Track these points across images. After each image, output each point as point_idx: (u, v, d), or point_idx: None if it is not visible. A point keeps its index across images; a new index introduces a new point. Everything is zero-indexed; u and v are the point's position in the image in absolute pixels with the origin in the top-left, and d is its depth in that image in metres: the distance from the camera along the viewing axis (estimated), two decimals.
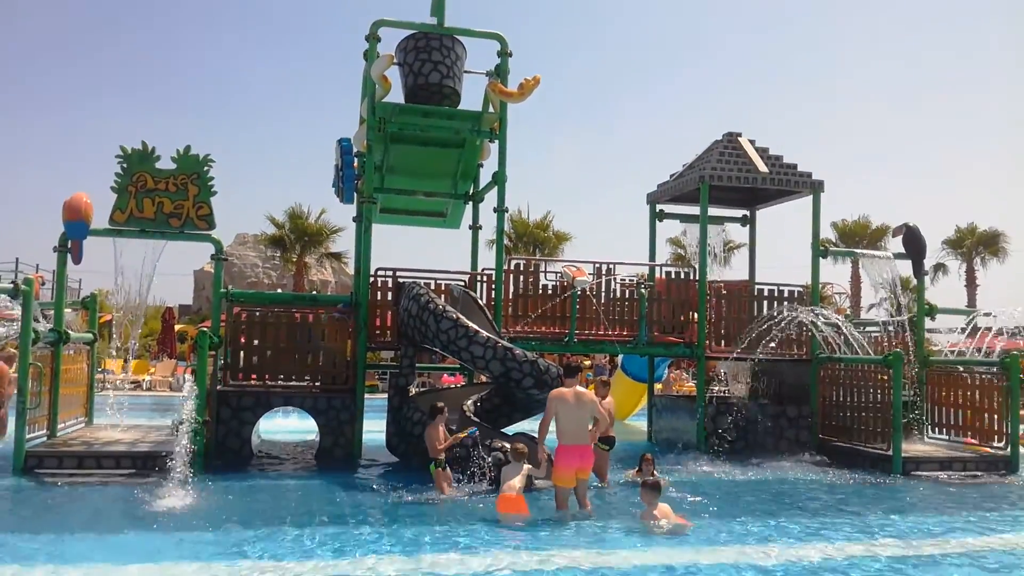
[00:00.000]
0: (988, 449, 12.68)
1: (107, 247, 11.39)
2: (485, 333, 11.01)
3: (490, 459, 9.90)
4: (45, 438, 11.06)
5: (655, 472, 9.80)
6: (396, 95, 13.10)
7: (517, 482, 8.44)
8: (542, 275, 14.01)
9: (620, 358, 19.67)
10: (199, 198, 11.39)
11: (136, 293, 11.61)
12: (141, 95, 79.62)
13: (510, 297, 13.48)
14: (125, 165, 11.27)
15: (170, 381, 26.04)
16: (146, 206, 11.27)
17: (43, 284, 14.60)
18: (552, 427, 8.45)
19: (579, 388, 8.54)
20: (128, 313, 12.73)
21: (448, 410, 11.34)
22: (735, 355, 13.89)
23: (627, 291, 14.09)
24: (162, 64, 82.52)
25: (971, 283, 45.20)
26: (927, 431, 13.90)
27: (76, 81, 79.89)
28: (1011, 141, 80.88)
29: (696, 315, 13.95)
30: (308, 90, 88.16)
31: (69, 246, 11.17)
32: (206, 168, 11.45)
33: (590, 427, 8.46)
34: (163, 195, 11.31)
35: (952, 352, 15.30)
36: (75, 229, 10.99)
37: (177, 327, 32.92)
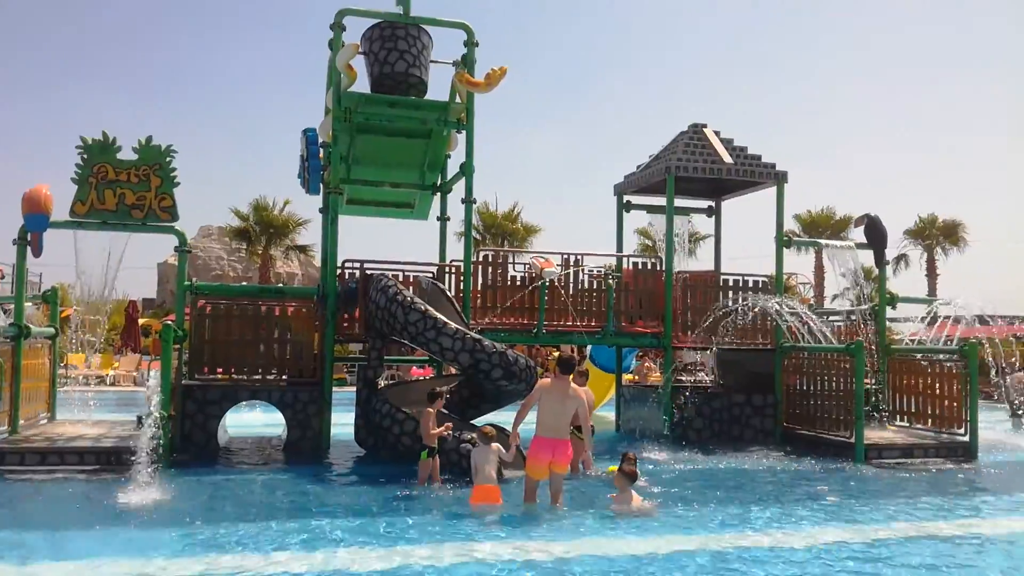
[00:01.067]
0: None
1: (68, 240, 11.23)
2: (454, 325, 11.00)
3: (461, 449, 9.91)
4: (6, 434, 10.86)
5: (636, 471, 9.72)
6: (362, 85, 13.01)
7: (491, 470, 8.44)
8: (510, 266, 14.04)
9: (588, 349, 19.77)
10: (161, 189, 11.23)
11: (98, 287, 11.45)
12: (101, 84, 78.17)
13: (479, 289, 13.48)
14: (86, 156, 11.08)
15: (134, 375, 25.71)
16: (107, 197, 11.09)
17: (2, 278, 14.33)
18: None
19: (573, 385, 8.27)
20: (90, 307, 12.54)
21: (419, 402, 11.37)
22: (700, 345, 14.03)
23: (595, 282, 14.16)
24: (122, 52, 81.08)
25: (932, 273, 46.03)
26: (889, 419, 14.16)
27: (34, 69, 78.19)
28: (972, 132, 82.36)
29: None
30: (272, 79, 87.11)
31: (29, 239, 10.97)
32: (168, 159, 11.29)
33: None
34: (125, 186, 11.14)
35: (913, 340, 15.59)
36: (35, 221, 10.79)
37: (141, 321, 32.44)
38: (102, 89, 78.52)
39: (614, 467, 9.89)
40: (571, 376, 8.39)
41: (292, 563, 6.28)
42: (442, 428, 9.72)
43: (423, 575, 6.07)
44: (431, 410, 9.67)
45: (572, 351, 26.92)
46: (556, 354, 27.86)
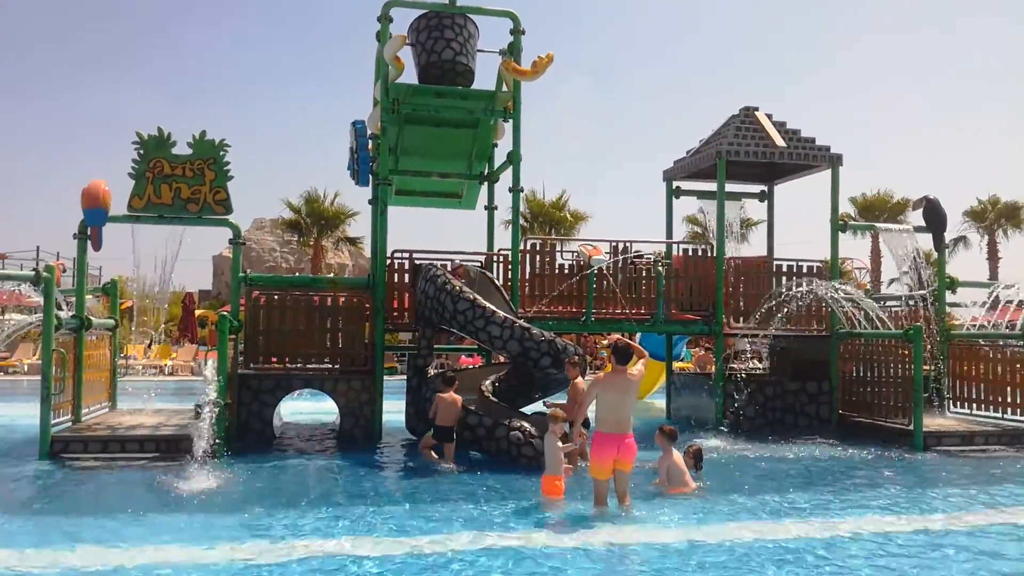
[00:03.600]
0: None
1: (126, 233, 11.52)
2: (502, 313, 11.02)
3: (511, 437, 9.95)
4: (70, 423, 11.21)
5: (700, 466, 9.60)
6: (410, 76, 13.05)
7: (561, 459, 8.17)
8: (558, 254, 13.98)
9: (638, 337, 19.64)
10: (216, 183, 11.43)
11: (155, 279, 11.72)
12: (155, 81, 79.90)
13: (526, 277, 13.46)
14: (142, 151, 11.32)
15: (192, 365, 26.28)
16: (163, 192, 11.33)
17: (64, 271, 14.76)
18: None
19: (630, 373, 7.77)
20: (149, 299, 12.85)
21: (468, 390, 11.43)
22: (752, 331, 13.82)
23: (644, 269, 14.03)
24: (176, 49, 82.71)
25: (993, 256, 44.69)
26: (948, 405, 13.81)
27: (91, 68, 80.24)
28: None
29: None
30: (322, 73, 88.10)
31: (88, 233, 11.27)
32: (222, 153, 11.48)
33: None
34: (180, 180, 11.36)
35: (974, 325, 15.16)
36: (94, 216, 11.08)
37: (198, 312, 33.18)
38: (156, 85, 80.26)
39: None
40: (630, 362, 7.87)
41: (346, 547, 6.38)
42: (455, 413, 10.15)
43: (474, 562, 6.10)
44: (445, 396, 10.10)
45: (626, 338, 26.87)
46: (604, 342, 27.78)
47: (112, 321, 12.91)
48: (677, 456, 8.88)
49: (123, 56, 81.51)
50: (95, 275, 30.26)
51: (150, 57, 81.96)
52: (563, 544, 6.58)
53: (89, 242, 11.31)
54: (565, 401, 10.52)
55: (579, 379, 10.15)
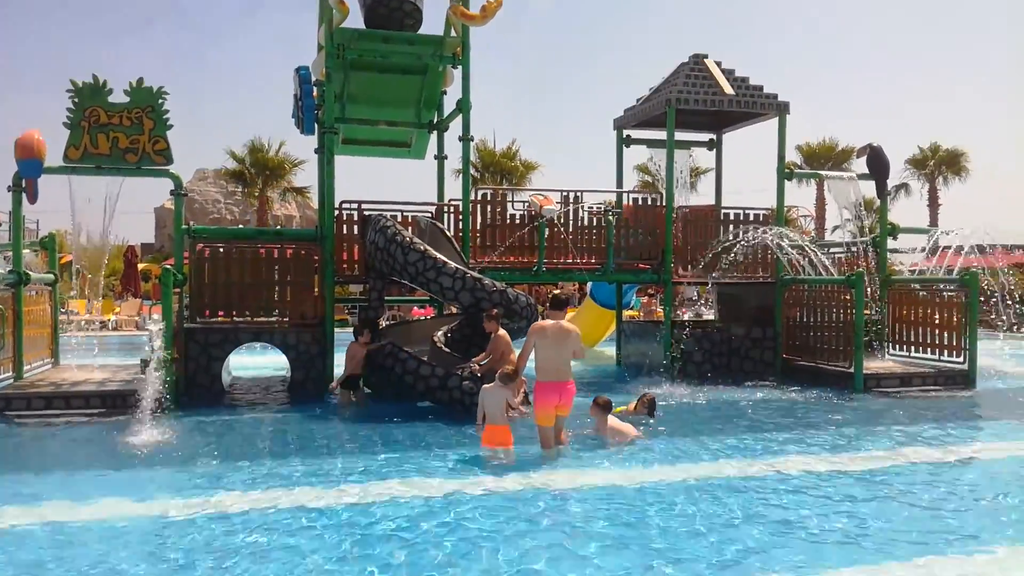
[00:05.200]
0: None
1: (63, 185, 11.15)
2: (454, 264, 10.98)
3: (464, 387, 10.00)
4: (12, 380, 10.95)
5: (653, 414, 9.80)
6: (355, 20, 12.73)
7: (502, 411, 8.11)
8: (509, 205, 13.94)
9: (589, 286, 19.79)
10: (155, 132, 11.10)
11: (96, 232, 11.40)
12: (89, 25, 76.65)
13: (478, 228, 13.42)
14: (77, 100, 10.92)
15: (136, 320, 25.79)
16: (101, 142, 10.97)
17: None
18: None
19: (563, 322, 8.07)
20: (89, 254, 12.51)
21: (420, 341, 11.44)
22: (700, 279, 14.03)
23: (595, 219, 14.08)
24: None
25: (933, 203, 45.79)
26: (888, 348, 14.25)
27: (18, 10, 76.59)
28: (973, 60, 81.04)
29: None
30: (265, 17, 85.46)
31: (23, 185, 10.88)
32: (161, 101, 11.13)
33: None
34: (118, 130, 11.01)
35: (914, 271, 15.60)
36: (29, 167, 10.70)
37: (140, 266, 32.44)
38: (89, 31, 77.03)
39: (624, 406, 9.96)
40: (564, 311, 8.28)
41: (297, 498, 6.39)
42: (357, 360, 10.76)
43: (431, 509, 6.17)
44: (359, 345, 10.62)
45: (574, 288, 27.06)
46: (556, 291, 27.97)
47: (51, 276, 12.56)
48: (615, 423, 8.75)
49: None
50: (32, 229, 29.29)
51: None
52: (510, 488, 6.69)
53: (24, 195, 10.94)
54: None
55: (499, 331, 10.08)
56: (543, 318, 8.63)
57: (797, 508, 6.25)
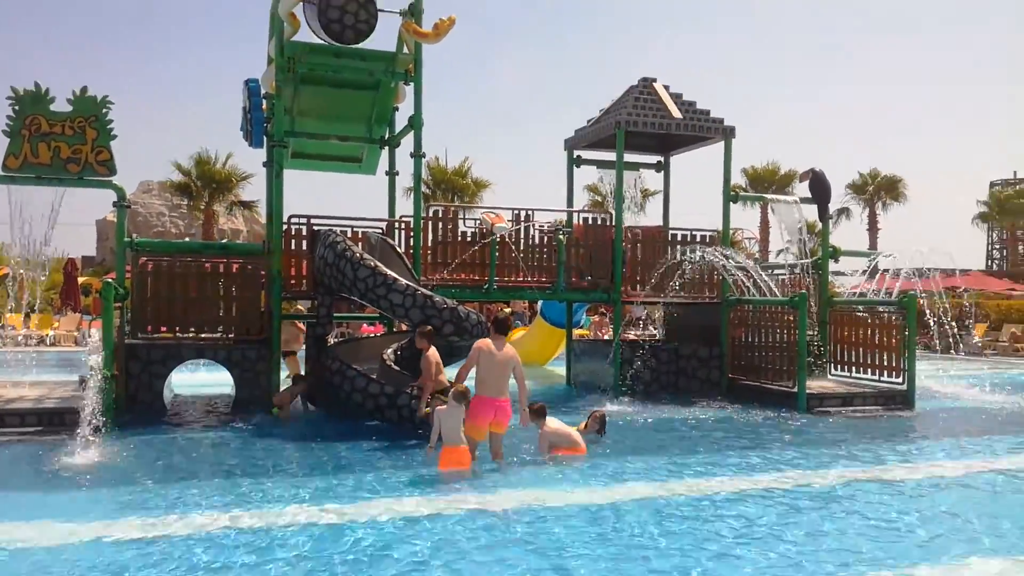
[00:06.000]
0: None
1: (1, 195, 10.81)
2: (404, 281, 10.92)
3: (413, 404, 9.92)
4: None
5: (603, 431, 9.87)
6: (306, 34, 12.63)
7: (460, 431, 7.97)
8: (461, 222, 13.94)
9: (539, 304, 19.85)
10: (98, 142, 10.85)
11: (35, 244, 11.06)
12: (32, 31, 74.83)
13: (429, 245, 13.38)
14: (17, 107, 10.62)
15: (75, 335, 25.08)
16: (41, 151, 10.68)
17: None
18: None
19: (507, 344, 8.31)
20: (27, 266, 12.13)
21: (369, 359, 11.33)
22: (649, 299, 14.19)
23: (546, 238, 14.15)
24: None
25: (873, 227, 47.16)
26: (830, 368, 14.56)
27: None
28: (912, 89, 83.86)
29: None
30: (214, 28, 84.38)
31: None
32: (104, 111, 10.89)
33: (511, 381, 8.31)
34: (59, 139, 10.74)
35: (855, 293, 15.99)
36: None
37: (81, 279, 31.58)
38: (32, 38, 75.18)
39: (575, 425, 9.96)
40: (507, 333, 8.54)
41: (238, 520, 6.25)
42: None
43: (382, 529, 6.09)
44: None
45: (524, 306, 27.11)
46: (507, 310, 27.98)
47: None
48: (555, 425, 8.87)
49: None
50: None
51: (25, 6, 76.62)
52: (460, 508, 6.65)
53: None
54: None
55: (430, 350, 9.89)
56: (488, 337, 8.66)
57: (751, 525, 6.33)
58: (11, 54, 72.86)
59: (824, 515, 6.70)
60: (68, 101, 10.81)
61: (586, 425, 9.96)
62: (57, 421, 9.78)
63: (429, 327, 10.06)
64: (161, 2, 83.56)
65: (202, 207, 39.53)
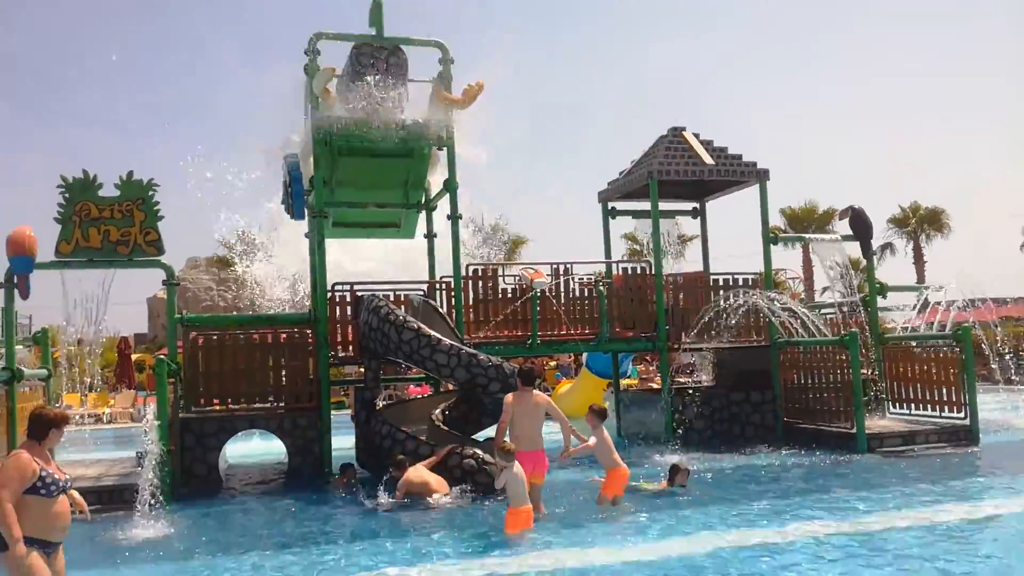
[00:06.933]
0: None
1: (55, 280, 11.15)
2: (448, 341, 10.98)
3: (464, 465, 9.87)
4: None
5: (685, 482, 9.70)
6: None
7: (526, 493, 7.85)
8: (500, 279, 14.02)
9: (584, 356, 19.76)
10: (146, 224, 11.19)
11: (89, 324, 11.37)
12: (81, 125, 77.97)
13: (470, 303, 13.45)
14: (67, 195, 11.04)
15: (131, 412, 25.48)
16: (92, 235, 11.04)
17: None
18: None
19: (535, 392, 8.63)
20: (83, 346, 12.44)
21: (418, 420, 11.33)
22: (695, 345, 14.05)
23: (586, 289, 14.16)
24: (100, 90, 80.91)
25: (919, 260, 46.25)
26: (888, 407, 14.19)
27: (6, 111, 77.91)
28: (949, 120, 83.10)
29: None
30: (251, 106, 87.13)
31: (15, 281, 10.89)
32: (151, 193, 11.26)
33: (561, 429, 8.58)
34: (109, 223, 11.10)
35: (906, 328, 15.65)
36: (20, 263, 10.71)
37: (134, 356, 32.22)
38: (82, 129, 78.31)
39: (648, 484, 9.83)
40: (534, 384, 8.83)
41: None
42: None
43: None
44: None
45: (569, 359, 26.97)
46: (552, 363, 27.88)
47: (45, 371, 12.47)
48: (605, 434, 8.99)
49: (43, 97, 79.41)
50: (24, 324, 29.20)
51: (70, 97, 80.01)
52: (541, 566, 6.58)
53: (16, 290, 10.93)
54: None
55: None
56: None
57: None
58: (56, 144, 75.93)
59: (904, 558, 6.47)
60: (115, 186, 11.19)
61: (671, 480, 9.76)
62: (116, 498, 9.90)
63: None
64: (202, 87, 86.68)
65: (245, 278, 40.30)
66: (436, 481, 9.47)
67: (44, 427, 5.14)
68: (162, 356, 11.22)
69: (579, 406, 18.40)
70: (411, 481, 9.38)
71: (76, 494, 5.32)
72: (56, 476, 5.03)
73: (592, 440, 8.79)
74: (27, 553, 4.83)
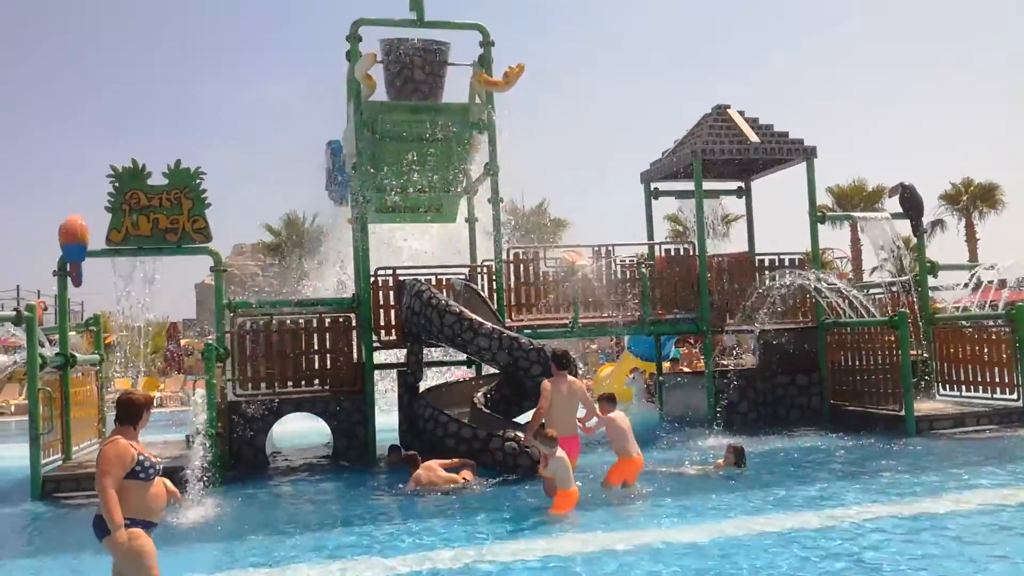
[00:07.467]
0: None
1: (106, 267, 11.43)
2: (490, 325, 11.01)
3: (506, 448, 9.92)
4: (60, 462, 11.09)
5: (742, 464, 9.70)
6: (381, 92, 13.02)
7: (572, 475, 8.01)
8: (542, 262, 13.99)
9: (627, 339, 19.66)
10: (194, 211, 11.39)
11: (138, 311, 11.63)
12: (125, 112, 79.49)
13: (511, 287, 13.46)
14: (117, 184, 11.27)
15: (181, 396, 26.07)
16: (141, 223, 11.27)
17: (45, 309, 14.60)
18: None
19: (571, 378, 8.74)
20: (132, 331, 12.74)
21: (461, 403, 11.40)
22: (739, 327, 13.88)
23: (628, 272, 14.06)
24: (148, 86, 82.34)
25: (971, 237, 45.02)
26: (937, 388, 13.90)
27: (62, 106, 79.71)
28: (1003, 92, 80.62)
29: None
30: (294, 92, 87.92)
31: (68, 269, 11.17)
32: (198, 181, 11.45)
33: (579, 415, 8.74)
34: (158, 211, 11.31)
35: (957, 308, 15.28)
36: (73, 252, 10.99)
37: (183, 341, 32.95)
38: (125, 118, 79.83)
39: (696, 467, 9.81)
40: (569, 368, 8.93)
41: (343, 570, 6.33)
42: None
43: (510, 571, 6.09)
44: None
45: (612, 342, 26.87)
46: (593, 347, 27.81)
47: (97, 356, 12.80)
48: (621, 417, 8.84)
49: (94, 93, 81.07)
50: (77, 311, 30.01)
51: (120, 91, 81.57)
52: (585, 549, 6.62)
53: (69, 278, 11.22)
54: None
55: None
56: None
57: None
58: (105, 136, 77.63)
59: (955, 542, 6.35)
60: (163, 175, 11.40)
61: (724, 461, 9.75)
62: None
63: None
64: (244, 74, 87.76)
65: (293, 265, 40.91)
66: (445, 479, 9.38)
67: (136, 411, 5.25)
68: (210, 341, 11.43)
69: (623, 389, 18.40)
70: (420, 479, 9.38)
71: (165, 479, 5.45)
72: (152, 459, 5.16)
73: (593, 422, 8.90)
74: (137, 535, 4.97)
